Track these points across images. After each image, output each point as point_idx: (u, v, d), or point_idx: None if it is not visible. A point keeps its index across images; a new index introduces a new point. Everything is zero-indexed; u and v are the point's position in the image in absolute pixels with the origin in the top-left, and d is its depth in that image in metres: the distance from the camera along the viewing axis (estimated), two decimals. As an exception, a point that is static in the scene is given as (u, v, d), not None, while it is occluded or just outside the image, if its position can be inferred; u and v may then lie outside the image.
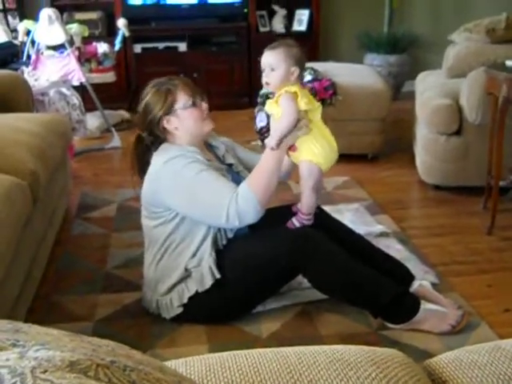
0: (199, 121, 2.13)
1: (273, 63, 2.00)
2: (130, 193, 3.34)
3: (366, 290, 2.09)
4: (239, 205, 1.97)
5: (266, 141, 2.06)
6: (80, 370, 0.54)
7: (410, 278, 2.28)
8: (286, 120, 1.98)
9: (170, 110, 2.10)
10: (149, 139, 2.17)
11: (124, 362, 0.60)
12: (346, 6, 5.79)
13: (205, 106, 2.16)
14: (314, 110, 2.05)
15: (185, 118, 2.11)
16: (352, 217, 2.99)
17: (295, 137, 2.02)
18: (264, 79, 2.04)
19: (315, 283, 2.13)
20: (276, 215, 2.21)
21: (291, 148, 2.06)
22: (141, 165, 2.22)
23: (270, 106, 2.08)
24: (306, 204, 2.13)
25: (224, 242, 2.15)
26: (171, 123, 2.12)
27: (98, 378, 0.54)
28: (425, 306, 2.11)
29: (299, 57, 2.03)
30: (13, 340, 0.58)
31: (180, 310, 2.14)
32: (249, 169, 2.27)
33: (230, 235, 2.16)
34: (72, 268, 2.65)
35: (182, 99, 2.10)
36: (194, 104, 2.12)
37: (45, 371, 0.52)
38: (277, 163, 2.03)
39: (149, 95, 2.13)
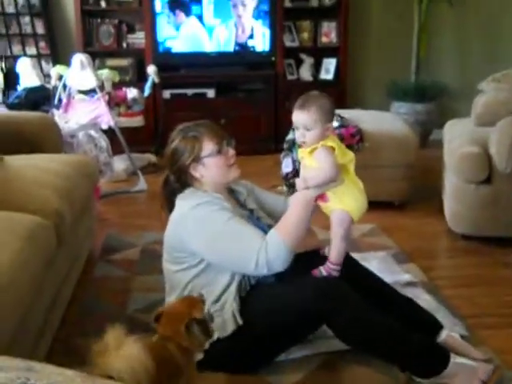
0: (225, 168, 2.13)
1: (307, 124, 1.98)
2: (154, 236, 3.35)
3: (394, 346, 2.01)
4: (269, 254, 1.95)
5: (303, 191, 2.03)
6: (90, 413, 0.51)
7: (438, 327, 2.21)
8: (326, 174, 1.96)
9: (196, 159, 2.10)
10: (176, 185, 2.17)
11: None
12: (373, 54, 5.85)
13: (231, 152, 2.15)
14: (348, 162, 2.03)
15: (211, 166, 2.11)
16: (378, 265, 2.93)
17: (327, 188, 2.00)
18: (300, 139, 2.02)
19: (340, 336, 2.07)
20: (302, 261, 2.17)
21: (323, 198, 2.03)
22: (169, 205, 2.21)
23: (303, 155, 2.06)
24: (335, 253, 2.09)
25: (248, 288, 2.12)
26: (198, 171, 2.12)
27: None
28: (455, 359, 2.03)
29: (331, 110, 2.01)
30: (23, 378, 0.56)
31: (201, 356, 2.09)
32: (269, 211, 2.26)
33: (253, 282, 2.13)
34: (93, 310, 2.62)
35: (208, 147, 2.10)
36: (219, 151, 2.11)
37: (53, 413, 0.49)
38: (306, 212, 2.02)
39: (176, 141, 2.14)
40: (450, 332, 2.23)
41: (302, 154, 2.06)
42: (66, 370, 0.67)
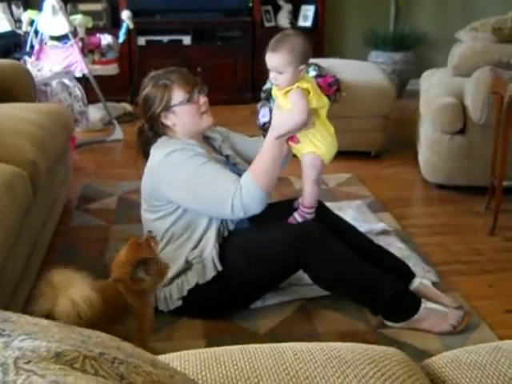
0: (196, 117, 2.11)
1: (279, 67, 1.95)
2: (131, 185, 3.34)
3: (367, 287, 2.08)
4: (244, 197, 1.96)
5: (271, 136, 2.03)
6: (66, 361, 0.52)
7: (410, 275, 2.27)
8: (296, 118, 1.95)
9: (166, 107, 2.08)
10: (149, 133, 2.16)
11: (113, 355, 0.58)
12: (352, 2, 5.76)
13: (203, 100, 2.12)
14: (322, 106, 2.03)
15: (182, 115, 2.09)
16: (354, 214, 2.97)
17: (298, 130, 2.00)
18: (273, 81, 2.00)
19: (316, 278, 2.12)
20: (277, 210, 2.20)
21: (293, 139, 2.04)
22: (145, 154, 2.21)
23: (277, 94, 2.04)
24: (308, 197, 2.11)
25: (225, 234, 2.14)
26: (169, 119, 2.11)
27: (84, 369, 0.52)
28: (425, 304, 2.09)
29: (305, 51, 1.96)
30: (-2, 329, 0.57)
31: (179, 302, 2.13)
32: (245, 156, 2.26)
33: (232, 227, 2.15)
34: (70, 259, 2.63)
35: (179, 96, 2.08)
36: (190, 100, 2.09)
37: (28, 362, 0.50)
38: (278, 153, 2.02)
39: (147, 89, 2.12)
40: (422, 279, 2.29)
41: (276, 92, 2.05)
42: (42, 320, 0.68)
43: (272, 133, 2.00)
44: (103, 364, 0.54)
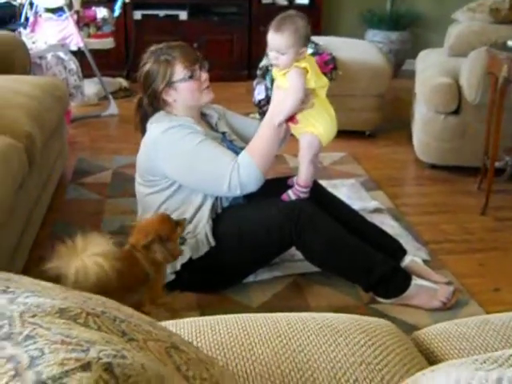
0: (197, 93, 2.11)
1: (282, 48, 1.94)
2: (126, 160, 3.35)
3: (359, 264, 2.10)
4: (241, 175, 1.98)
5: (269, 116, 2.04)
6: (70, 316, 0.54)
7: (402, 253, 2.29)
8: (294, 98, 1.95)
9: (168, 84, 2.08)
10: (149, 109, 2.16)
11: (114, 314, 0.60)
12: (350, -20, 5.72)
13: (204, 76, 2.13)
14: (320, 86, 2.03)
15: (183, 91, 2.10)
16: (347, 192, 2.99)
17: (296, 110, 2.01)
18: (273, 60, 2.00)
19: (308, 255, 2.14)
20: (272, 187, 2.21)
21: (292, 120, 2.05)
22: (142, 128, 2.21)
23: (276, 75, 2.05)
24: (303, 176, 2.12)
25: (219, 210, 2.16)
26: (170, 95, 2.11)
27: (87, 325, 0.54)
28: (416, 281, 2.12)
29: (307, 34, 1.97)
30: (3, 287, 0.58)
31: (172, 276, 2.15)
32: (241, 134, 2.27)
33: (226, 204, 2.17)
34: (65, 233, 2.60)
35: (181, 72, 2.08)
36: (192, 76, 2.09)
37: (34, 315, 0.52)
38: (276, 134, 2.03)
39: (148, 64, 2.11)
40: (413, 257, 2.32)
41: (275, 73, 2.06)
42: (43, 282, 0.70)
43: (272, 118, 2.01)
44: (105, 321, 0.56)
